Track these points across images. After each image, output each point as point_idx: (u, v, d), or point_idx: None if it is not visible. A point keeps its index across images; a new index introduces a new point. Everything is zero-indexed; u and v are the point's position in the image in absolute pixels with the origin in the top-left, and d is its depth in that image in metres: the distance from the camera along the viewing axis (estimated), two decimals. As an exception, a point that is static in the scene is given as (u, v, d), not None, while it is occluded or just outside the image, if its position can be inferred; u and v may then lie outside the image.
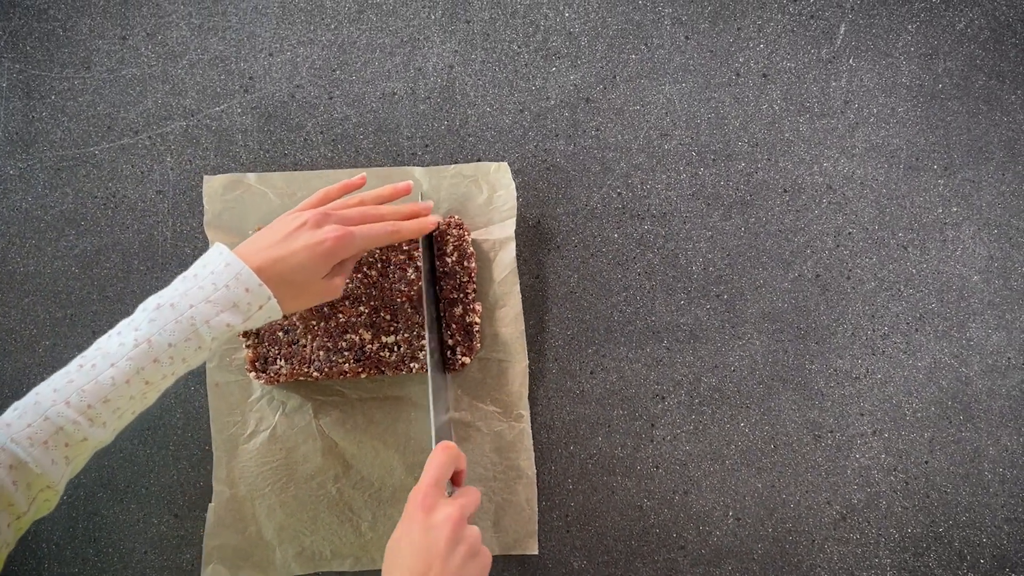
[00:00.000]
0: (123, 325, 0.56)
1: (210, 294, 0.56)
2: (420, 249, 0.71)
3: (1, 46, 0.76)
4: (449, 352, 0.72)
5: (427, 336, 0.70)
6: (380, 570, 0.71)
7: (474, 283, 0.73)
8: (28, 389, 0.72)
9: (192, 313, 0.56)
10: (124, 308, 0.74)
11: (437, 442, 0.65)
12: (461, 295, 0.72)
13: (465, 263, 0.72)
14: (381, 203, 0.68)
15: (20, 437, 0.52)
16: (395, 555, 0.57)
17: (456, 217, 0.73)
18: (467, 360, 0.72)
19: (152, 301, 0.57)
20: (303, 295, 0.62)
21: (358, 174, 0.74)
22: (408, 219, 0.67)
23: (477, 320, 0.72)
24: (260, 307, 0.58)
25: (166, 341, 0.55)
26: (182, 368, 0.57)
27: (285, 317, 0.71)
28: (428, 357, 0.69)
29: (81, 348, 0.72)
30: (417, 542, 0.55)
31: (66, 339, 0.74)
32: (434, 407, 0.67)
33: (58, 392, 0.53)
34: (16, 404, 0.54)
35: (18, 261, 0.75)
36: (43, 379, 0.72)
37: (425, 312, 0.70)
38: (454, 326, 0.72)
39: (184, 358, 0.56)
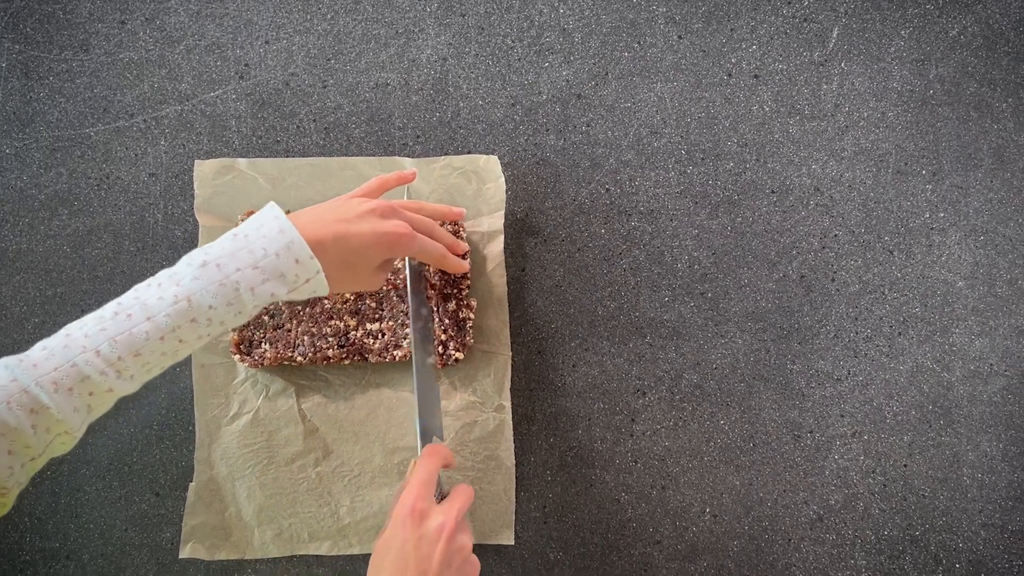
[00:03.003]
0: (164, 276, 0.54)
1: (259, 259, 0.54)
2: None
3: (1, 27, 0.77)
4: (441, 347, 0.72)
5: (412, 336, 0.70)
6: (356, 554, 0.72)
7: (468, 279, 0.73)
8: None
9: (238, 277, 0.54)
10: (114, 288, 0.75)
11: (424, 442, 0.65)
12: (455, 291, 0.73)
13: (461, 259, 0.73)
14: (435, 219, 0.69)
15: (45, 381, 0.50)
16: (384, 560, 0.55)
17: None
18: (460, 356, 0.72)
19: (198, 256, 0.54)
20: (350, 279, 0.61)
21: (350, 163, 0.75)
22: (450, 249, 0.69)
23: (471, 316, 0.73)
24: (307, 280, 0.56)
25: (207, 303, 0.53)
26: (218, 330, 0.55)
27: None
28: (414, 358, 0.69)
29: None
30: (409, 553, 0.54)
31: (55, 317, 0.75)
32: (420, 407, 0.66)
33: (89, 339, 0.51)
34: (45, 343, 0.52)
35: (10, 239, 0.76)
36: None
37: (410, 311, 0.71)
38: (447, 321, 0.72)
39: (222, 321, 0.55)
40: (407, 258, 0.71)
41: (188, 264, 0.54)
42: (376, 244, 0.59)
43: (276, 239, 0.55)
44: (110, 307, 0.53)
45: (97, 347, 0.51)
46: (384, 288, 0.72)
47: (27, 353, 0.52)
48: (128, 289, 0.55)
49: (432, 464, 0.60)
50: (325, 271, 0.57)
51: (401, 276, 0.72)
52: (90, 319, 0.53)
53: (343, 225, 0.58)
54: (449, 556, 0.55)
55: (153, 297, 0.53)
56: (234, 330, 0.71)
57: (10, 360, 0.51)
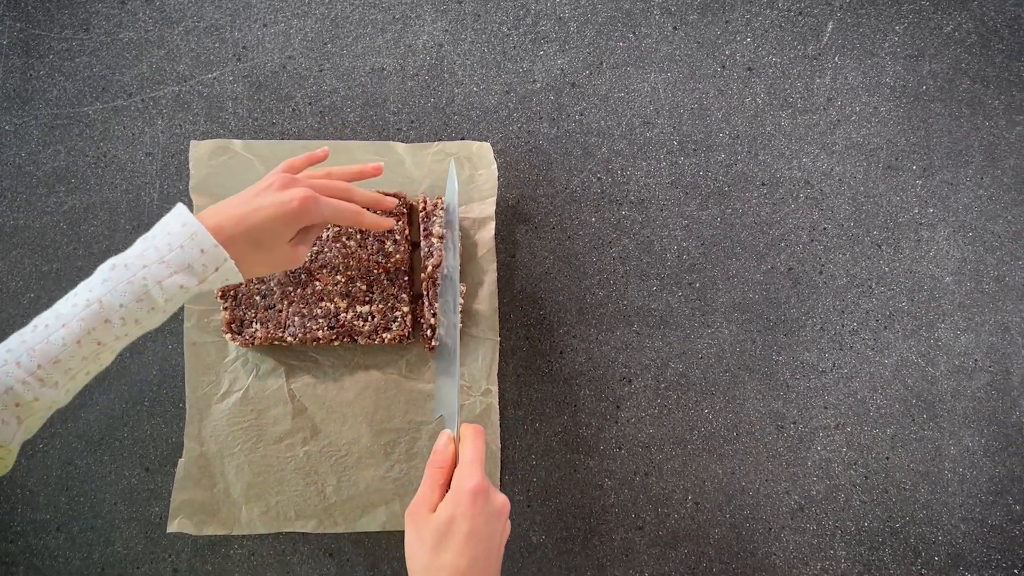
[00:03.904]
0: (80, 286, 0.56)
1: (164, 254, 0.56)
2: (445, 231, 0.72)
3: (3, 5, 0.78)
4: (430, 331, 0.73)
5: (453, 316, 0.70)
6: (341, 532, 0.73)
7: (460, 265, 0.74)
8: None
9: (144, 274, 0.55)
10: (109, 265, 0.76)
11: (459, 421, 0.65)
12: None
13: None
14: (348, 180, 0.67)
15: None
16: (455, 531, 0.55)
17: (443, 198, 0.74)
18: None
19: (109, 262, 0.56)
20: (264, 259, 0.61)
21: (344, 147, 0.75)
22: (371, 207, 0.67)
23: (461, 301, 0.73)
24: (216, 269, 0.57)
25: (117, 302, 0.54)
26: (136, 330, 0.56)
27: (257, 281, 0.72)
28: (456, 336, 0.69)
29: (64, 302, 0.75)
30: (481, 527, 0.56)
31: (51, 293, 0.76)
32: (455, 385, 0.67)
33: (11, 352, 0.53)
34: None
35: (8, 215, 0.77)
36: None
37: (453, 291, 0.71)
38: (437, 305, 0.73)
39: (137, 319, 0.56)
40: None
41: (100, 271, 0.56)
42: (277, 216, 0.59)
43: (179, 232, 0.56)
44: (32, 322, 0.55)
45: (17, 359, 0.53)
46: (376, 271, 0.73)
47: None
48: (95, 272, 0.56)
49: (482, 443, 0.61)
50: (234, 256, 0.58)
51: (392, 260, 0.73)
52: (13, 336, 0.55)
53: (241, 207, 0.59)
54: (506, 532, 0.59)
55: (68, 305, 0.55)
56: (224, 309, 0.72)
57: None
